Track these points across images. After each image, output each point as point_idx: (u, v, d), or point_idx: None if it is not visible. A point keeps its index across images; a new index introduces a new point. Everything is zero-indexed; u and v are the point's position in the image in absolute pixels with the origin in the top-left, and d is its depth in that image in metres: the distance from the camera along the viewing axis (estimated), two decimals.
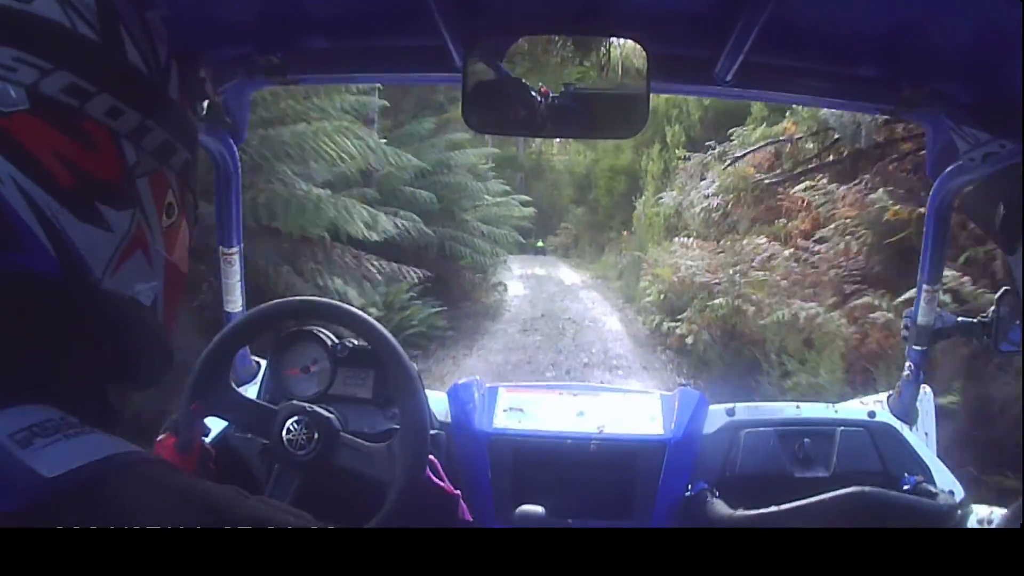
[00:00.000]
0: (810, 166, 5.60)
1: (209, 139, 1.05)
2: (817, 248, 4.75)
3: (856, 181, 4.64)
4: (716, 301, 5.35)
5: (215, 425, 1.10)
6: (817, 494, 1.00)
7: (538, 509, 1.01)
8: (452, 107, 8.46)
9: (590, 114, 0.87)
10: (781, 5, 0.68)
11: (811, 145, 5.67)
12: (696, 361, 5.62)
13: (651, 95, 0.83)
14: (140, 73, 0.41)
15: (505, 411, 1.19)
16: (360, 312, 1.01)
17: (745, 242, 5.69)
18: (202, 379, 0.98)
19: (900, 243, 3.92)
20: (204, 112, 0.81)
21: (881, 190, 4.19)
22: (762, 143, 6.16)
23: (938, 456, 1.19)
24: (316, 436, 0.95)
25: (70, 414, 0.37)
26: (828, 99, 0.96)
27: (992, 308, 1.05)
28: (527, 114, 0.85)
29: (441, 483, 0.99)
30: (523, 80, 0.84)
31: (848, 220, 4.52)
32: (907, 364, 1.21)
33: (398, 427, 0.96)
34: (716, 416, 1.19)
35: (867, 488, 0.99)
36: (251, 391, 1.20)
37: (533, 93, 0.84)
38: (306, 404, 0.98)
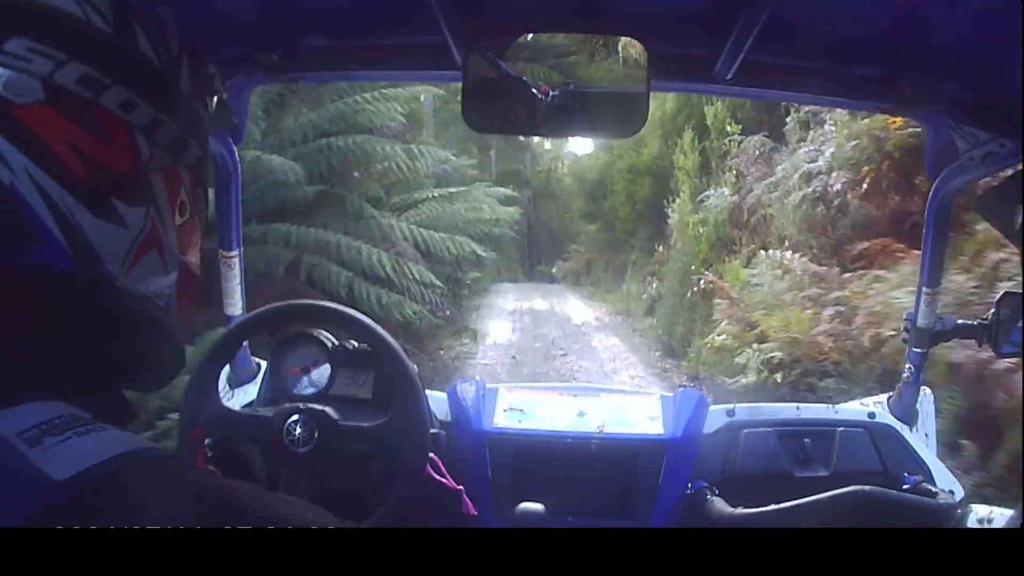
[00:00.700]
0: None
1: (209, 138, 1.04)
2: None
3: None
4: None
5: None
6: (817, 494, 1.00)
7: (538, 507, 1.01)
8: None
9: (590, 113, 0.86)
10: (781, 4, 0.68)
11: None
12: None
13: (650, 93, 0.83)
14: (153, 67, 0.41)
15: (505, 411, 1.19)
16: (358, 313, 1.02)
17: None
18: (194, 403, 1.00)
19: None
20: (213, 108, 0.81)
21: None
22: None
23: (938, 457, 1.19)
24: (316, 433, 0.95)
25: (82, 411, 0.36)
26: (828, 98, 0.97)
27: (992, 311, 1.05)
28: (527, 112, 0.85)
29: (443, 480, 0.99)
30: (523, 78, 0.84)
31: None
32: (907, 366, 1.21)
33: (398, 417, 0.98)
34: (716, 416, 1.19)
35: (867, 487, 0.99)
36: (251, 391, 1.21)
37: (533, 91, 0.84)
38: (301, 403, 0.99)
